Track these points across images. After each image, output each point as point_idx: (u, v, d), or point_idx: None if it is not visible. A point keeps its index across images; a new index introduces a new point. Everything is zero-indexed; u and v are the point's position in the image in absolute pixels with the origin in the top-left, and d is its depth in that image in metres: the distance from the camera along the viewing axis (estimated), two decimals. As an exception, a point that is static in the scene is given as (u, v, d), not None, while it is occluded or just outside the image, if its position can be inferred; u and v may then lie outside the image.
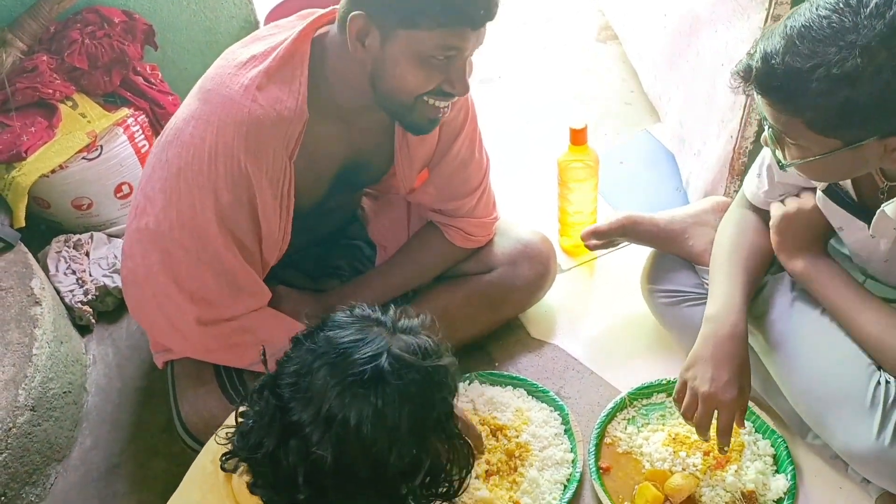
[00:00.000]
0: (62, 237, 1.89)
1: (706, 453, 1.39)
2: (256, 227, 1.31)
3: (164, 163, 1.28)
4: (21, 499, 1.48)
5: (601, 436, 1.46)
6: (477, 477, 1.40)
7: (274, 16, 2.09)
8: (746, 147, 1.63)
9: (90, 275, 1.82)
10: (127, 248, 1.37)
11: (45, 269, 1.81)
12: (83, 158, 1.83)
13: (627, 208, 1.65)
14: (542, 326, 1.71)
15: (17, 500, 1.48)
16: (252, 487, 0.97)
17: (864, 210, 1.18)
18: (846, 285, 1.24)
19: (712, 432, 1.30)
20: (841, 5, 0.94)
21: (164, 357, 1.49)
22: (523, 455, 1.44)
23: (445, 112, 1.30)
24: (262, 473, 0.97)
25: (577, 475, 1.41)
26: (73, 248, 1.87)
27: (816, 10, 0.95)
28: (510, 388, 1.57)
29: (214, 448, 1.04)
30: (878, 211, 1.13)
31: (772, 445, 1.41)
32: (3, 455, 1.43)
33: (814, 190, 1.27)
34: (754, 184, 1.36)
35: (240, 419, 1.01)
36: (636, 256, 1.69)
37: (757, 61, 0.99)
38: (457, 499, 1.36)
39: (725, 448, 1.30)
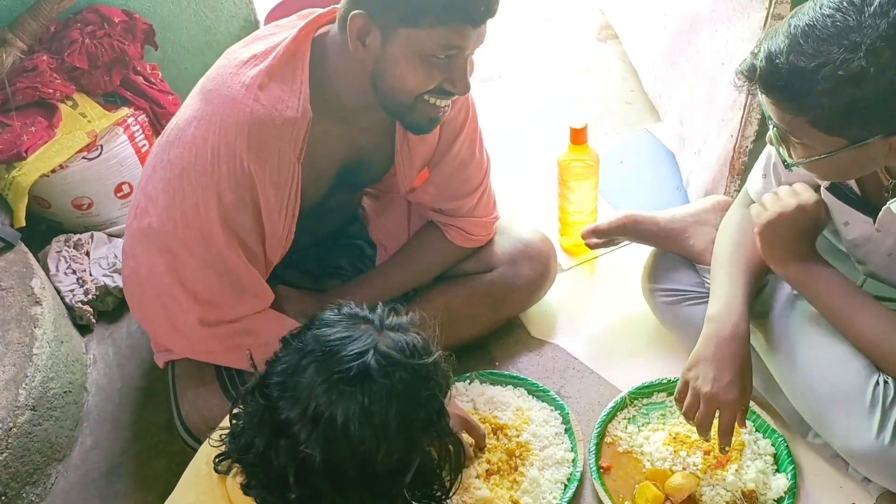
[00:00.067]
0: (62, 237, 1.89)
1: (707, 452, 1.39)
2: (259, 227, 1.31)
3: (167, 163, 1.28)
4: (22, 498, 1.48)
5: (602, 435, 1.46)
6: (477, 476, 1.40)
7: (274, 15, 2.09)
8: (747, 146, 1.64)
9: (90, 274, 1.82)
10: (128, 247, 1.37)
11: (46, 268, 1.81)
12: (83, 158, 1.83)
13: (628, 208, 1.65)
14: (542, 326, 1.71)
15: (17, 499, 1.48)
16: (245, 488, 0.97)
17: (868, 205, 1.18)
18: (841, 287, 1.23)
19: (713, 432, 1.30)
20: (845, 4, 0.94)
21: (165, 357, 1.49)
22: (524, 454, 1.44)
23: (446, 111, 1.30)
24: (254, 474, 0.97)
25: (578, 474, 1.41)
26: (74, 248, 1.87)
27: (820, 9, 0.95)
28: (510, 387, 1.57)
29: (209, 450, 1.04)
30: (884, 207, 1.13)
31: (772, 445, 1.41)
32: (4, 455, 1.43)
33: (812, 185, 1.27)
34: (759, 183, 1.35)
35: (233, 420, 1.02)
36: (636, 255, 1.69)
37: (761, 61, 0.99)
38: (457, 498, 1.37)
39: (726, 448, 1.30)
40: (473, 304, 1.59)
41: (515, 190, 1.97)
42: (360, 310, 1.01)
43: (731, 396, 1.25)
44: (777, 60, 0.97)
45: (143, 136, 1.93)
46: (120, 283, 1.79)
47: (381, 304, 1.02)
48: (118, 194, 1.92)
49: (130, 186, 1.92)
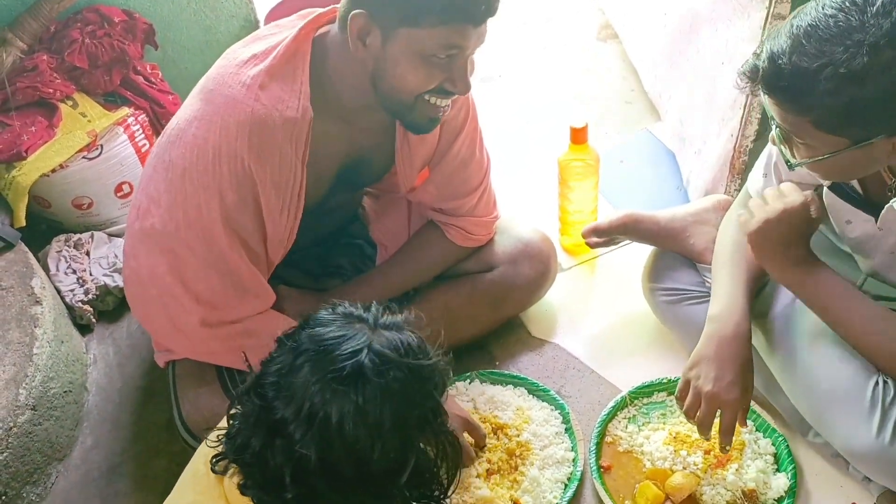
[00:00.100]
0: (62, 236, 1.89)
1: (707, 452, 1.39)
2: (261, 227, 1.31)
3: (168, 163, 1.28)
4: (22, 498, 1.48)
5: (602, 434, 1.46)
6: (478, 476, 1.40)
7: (274, 15, 2.09)
8: (747, 146, 1.64)
9: (90, 274, 1.82)
10: (130, 248, 1.37)
11: (46, 268, 1.81)
12: (83, 158, 1.83)
13: (628, 207, 1.65)
14: (542, 325, 1.71)
15: (18, 499, 1.48)
16: (242, 488, 0.98)
17: (870, 204, 1.18)
18: (837, 289, 1.20)
19: (714, 431, 1.30)
20: (847, 4, 0.94)
21: (165, 357, 1.49)
22: (524, 454, 1.44)
23: (446, 111, 1.30)
24: (250, 474, 0.97)
25: (578, 474, 1.41)
26: (74, 248, 1.87)
27: (822, 8, 0.95)
28: (511, 386, 1.57)
29: (207, 450, 1.04)
30: (886, 206, 1.13)
31: (773, 444, 1.41)
32: (4, 454, 1.43)
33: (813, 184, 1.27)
34: (760, 182, 1.35)
35: (230, 421, 1.02)
36: (637, 255, 1.69)
37: (763, 61, 0.99)
38: (458, 498, 1.37)
39: (727, 447, 1.30)
40: (474, 303, 1.59)
41: (515, 189, 1.97)
42: (354, 309, 1.01)
43: (733, 396, 1.25)
44: (780, 61, 0.97)
45: (143, 135, 1.92)
46: (120, 283, 1.79)
47: (375, 302, 1.02)
48: (118, 194, 1.92)
49: (130, 186, 1.92)
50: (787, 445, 1.40)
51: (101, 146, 1.85)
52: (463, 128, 1.47)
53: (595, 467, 1.41)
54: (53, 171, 1.80)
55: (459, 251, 1.59)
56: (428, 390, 0.98)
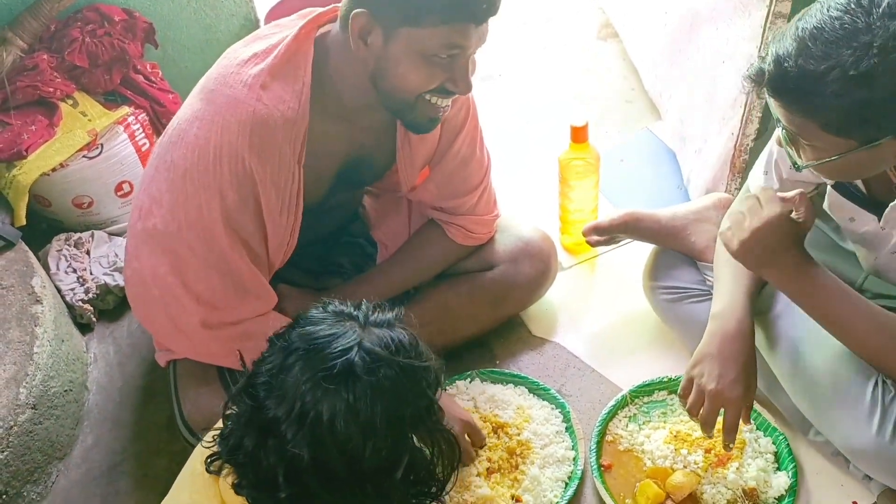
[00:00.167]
0: (63, 235, 1.89)
1: (707, 451, 1.39)
2: (262, 227, 1.31)
3: (170, 164, 1.28)
4: (22, 497, 1.48)
5: (602, 433, 1.46)
6: (478, 474, 1.40)
7: (274, 14, 2.09)
8: (748, 144, 1.64)
9: (91, 273, 1.82)
10: (132, 248, 1.37)
11: (46, 267, 1.81)
12: (84, 157, 1.83)
13: (628, 206, 1.65)
14: (543, 324, 1.71)
15: (18, 498, 1.48)
16: (236, 488, 0.98)
17: (873, 203, 1.18)
18: (834, 294, 1.17)
19: (717, 428, 1.29)
20: (853, 6, 0.93)
21: (167, 356, 1.49)
22: (524, 453, 1.44)
23: (446, 111, 1.30)
24: (244, 474, 0.97)
25: (579, 473, 1.41)
26: (74, 247, 1.87)
27: (827, 11, 0.95)
28: (511, 385, 1.57)
29: (204, 450, 1.04)
30: (890, 205, 1.12)
31: (773, 443, 1.41)
32: (5, 453, 1.43)
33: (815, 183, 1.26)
34: (761, 180, 1.35)
35: (225, 421, 1.02)
36: (637, 253, 1.69)
37: (769, 64, 0.98)
38: (458, 496, 1.37)
39: (731, 445, 1.30)
40: (474, 302, 1.59)
41: (516, 188, 1.97)
42: (345, 307, 1.01)
43: (736, 394, 1.25)
44: (786, 64, 0.96)
45: (143, 134, 1.92)
46: (120, 282, 1.79)
47: (365, 300, 1.02)
48: (118, 193, 1.92)
49: (131, 185, 1.92)
50: (788, 444, 1.40)
51: (102, 145, 1.85)
52: (463, 126, 1.47)
53: (595, 466, 1.41)
54: (54, 170, 1.80)
55: (460, 250, 1.59)
56: (420, 388, 0.98)
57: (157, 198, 1.30)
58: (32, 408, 1.49)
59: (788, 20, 1.40)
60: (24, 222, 1.79)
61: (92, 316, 1.79)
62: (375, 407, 0.92)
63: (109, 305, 1.83)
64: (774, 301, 1.37)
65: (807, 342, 1.30)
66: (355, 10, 1.18)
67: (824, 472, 1.39)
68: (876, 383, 1.23)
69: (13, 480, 1.46)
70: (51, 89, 1.83)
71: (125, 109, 1.90)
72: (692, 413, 1.30)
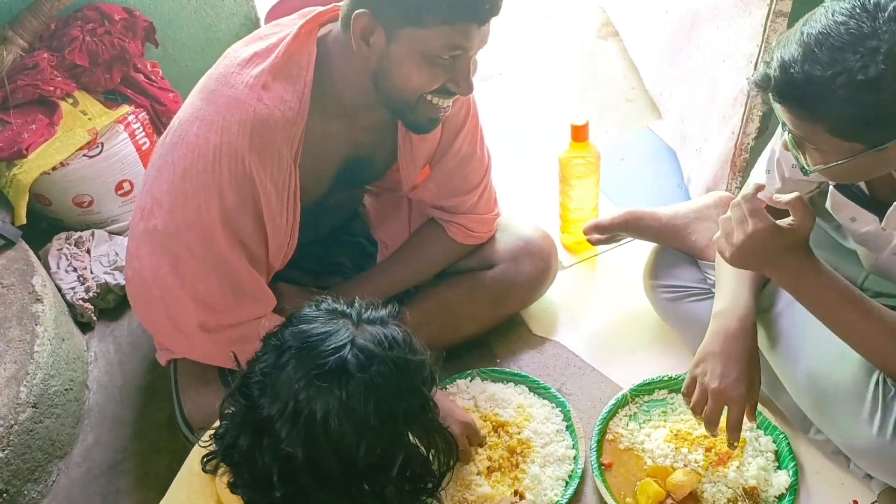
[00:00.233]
0: (63, 234, 1.89)
1: (708, 449, 1.39)
2: (261, 229, 1.31)
3: (171, 164, 1.28)
4: (23, 496, 1.48)
5: (603, 432, 1.46)
6: (479, 473, 1.41)
7: (274, 13, 2.09)
8: (748, 143, 1.64)
9: (91, 272, 1.82)
10: (133, 248, 1.37)
11: (47, 266, 1.81)
12: (84, 156, 1.83)
13: (629, 205, 1.65)
14: (543, 323, 1.71)
15: (19, 496, 1.48)
16: (232, 487, 0.98)
17: (875, 203, 1.17)
18: (836, 294, 1.15)
19: (721, 423, 1.29)
20: (858, 11, 0.93)
21: (167, 355, 1.49)
22: (525, 451, 1.44)
23: (447, 111, 1.30)
24: (239, 473, 0.97)
25: (579, 472, 1.41)
26: (75, 246, 1.87)
27: (832, 16, 0.94)
28: (512, 384, 1.57)
29: (201, 449, 1.04)
30: (893, 206, 1.12)
31: (773, 441, 1.41)
32: (5, 452, 1.43)
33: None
34: (763, 179, 1.35)
35: (222, 421, 1.02)
36: (638, 252, 1.69)
37: (775, 70, 0.98)
38: (459, 495, 1.37)
39: (735, 443, 1.30)
40: (474, 301, 1.59)
41: (516, 187, 1.97)
42: (338, 305, 1.01)
43: (739, 392, 1.25)
44: (792, 70, 0.96)
45: (143, 133, 1.92)
46: (121, 281, 1.79)
47: (358, 298, 1.02)
48: (119, 192, 1.92)
49: (131, 184, 1.92)
50: (788, 443, 1.40)
51: (102, 144, 1.85)
52: (464, 125, 1.47)
53: (596, 465, 1.41)
54: (54, 168, 1.80)
55: (460, 249, 1.59)
56: (415, 384, 0.97)
57: (158, 198, 1.29)
58: (33, 406, 1.49)
59: (789, 19, 1.40)
60: (24, 221, 1.79)
61: (92, 315, 1.79)
62: (369, 404, 0.92)
63: (110, 304, 1.83)
64: (776, 299, 1.37)
65: (808, 340, 1.30)
66: (357, 11, 1.18)
67: (825, 470, 1.39)
68: (877, 382, 1.23)
69: (14, 479, 1.46)
70: (51, 88, 1.83)
71: (125, 108, 1.90)
72: (696, 412, 1.30)
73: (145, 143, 1.93)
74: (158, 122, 1.96)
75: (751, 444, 1.40)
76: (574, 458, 1.44)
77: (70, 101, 1.86)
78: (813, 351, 1.29)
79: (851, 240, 1.31)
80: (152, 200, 1.30)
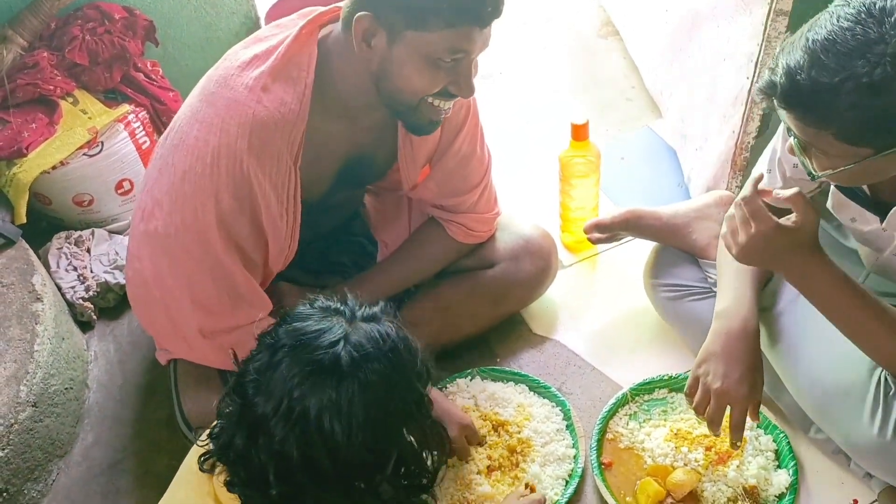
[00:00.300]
0: (63, 234, 1.89)
1: (708, 448, 1.39)
2: (257, 233, 1.30)
3: (171, 166, 1.27)
4: (23, 495, 1.48)
5: (603, 431, 1.46)
6: (479, 472, 1.41)
7: (274, 12, 2.09)
8: (748, 142, 1.63)
9: (91, 271, 1.82)
10: (134, 249, 1.36)
11: (47, 265, 1.81)
12: (84, 155, 1.83)
13: (629, 204, 1.65)
14: (543, 322, 1.71)
15: (19, 496, 1.48)
16: (229, 486, 0.98)
17: (876, 204, 1.17)
18: (847, 290, 1.14)
19: (724, 424, 1.29)
20: (863, 16, 0.92)
21: (167, 354, 1.49)
22: (525, 451, 1.44)
23: (447, 113, 1.30)
24: (236, 472, 0.98)
25: (579, 471, 1.41)
26: (74, 245, 1.87)
27: (837, 21, 0.93)
28: (512, 383, 1.57)
29: (199, 448, 1.05)
30: (895, 207, 1.12)
31: (774, 441, 1.41)
32: (5, 451, 1.43)
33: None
34: (765, 179, 1.34)
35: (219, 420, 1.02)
36: (638, 251, 1.69)
37: (781, 77, 0.97)
38: (459, 494, 1.37)
39: (738, 444, 1.29)
40: (474, 300, 1.59)
41: (516, 186, 1.97)
42: (332, 303, 1.01)
43: (742, 392, 1.25)
44: (798, 76, 0.95)
45: (143, 132, 1.92)
46: (121, 280, 1.79)
47: (350, 295, 1.01)
48: (119, 191, 1.92)
49: (131, 183, 1.92)
50: (789, 442, 1.40)
51: (102, 143, 1.85)
52: (464, 125, 1.46)
53: (596, 464, 1.41)
54: (54, 167, 1.80)
55: (460, 248, 1.59)
56: (409, 381, 0.97)
57: (158, 200, 1.29)
58: (33, 405, 1.49)
59: (790, 17, 1.40)
60: (24, 220, 1.79)
61: (92, 314, 1.79)
62: (363, 401, 0.92)
63: (110, 303, 1.83)
64: (777, 298, 1.37)
65: (809, 339, 1.30)
66: (359, 13, 1.17)
67: (825, 469, 1.39)
68: (878, 380, 1.23)
69: (14, 478, 1.46)
70: (51, 87, 1.82)
71: (125, 107, 1.89)
72: (698, 412, 1.30)
73: (145, 142, 1.93)
74: (158, 122, 1.95)
75: (751, 444, 1.40)
76: (574, 457, 1.44)
77: (70, 100, 1.85)
78: (814, 349, 1.29)
79: (853, 239, 1.31)
80: (153, 202, 1.30)
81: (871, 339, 1.15)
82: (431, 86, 1.22)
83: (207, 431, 1.04)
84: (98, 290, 1.80)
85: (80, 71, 1.86)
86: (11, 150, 1.76)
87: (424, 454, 1.03)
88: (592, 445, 1.44)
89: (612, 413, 1.49)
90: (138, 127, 1.91)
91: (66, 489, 1.54)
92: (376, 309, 1.00)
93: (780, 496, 1.35)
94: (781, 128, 1.25)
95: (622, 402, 1.50)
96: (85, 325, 1.80)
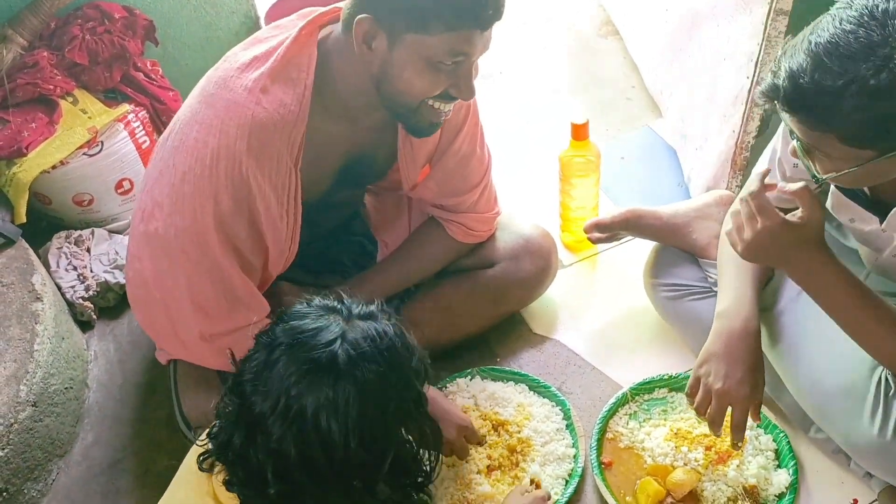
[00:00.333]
0: (63, 233, 1.89)
1: (708, 448, 1.39)
2: (255, 236, 1.30)
3: (171, 168, 1.27)
4: (23, 494, 1.48)
5: (603, 431, 1.46)
6: (479, 472, 1.40)
7: (274, 12, 2.09)
8: (748, 142, 1.63)
9: (91, 271, 1.82)
10: (135, 250, 1.36)
11: (46, 265, 1.81)
12: (84, 154, 1.83)
13: (629, 204, 1.65)
14: (543, 321, 1.71)
15: (19, 495, 1.48)
16: (227, 485, 0.98)
17: (876, 204, 1.17)
18: (850, 290, 1.14)
19: (725, 423, 1.29)
20: (866, 19, 0.92)
21: (167, 354, 1.49)
22: (525, 450, 1.44)
23: (448, 115, 1.30)
24: (234, 471, 0.98)
25: (579, 470, 1.41)
26: (74, 244, 1.87)
27: (840, 24, 0.93)
28: (512, 383, 1.57)
29: (198, 448, 1.05)
30: (895, 209, 1.12)
31: (774, 440, 1.41)
32: (5, 451, 1.43)
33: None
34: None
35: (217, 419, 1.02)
36: (638, 251, 1.69)
37: (783, 80, 0.96)
38: (459, 494, 1.37)
39: (739, 444, 1.29)
40: (474, 299, 1.59)
41: (516, 186, 1.97)
42: (329, 301, 1.01)
43: (743, 393, 1.24)
44: (801, 80, 0.94)
45: (143, 132, 1.92)
46: (121, 280, 1.79)
47: (347, 293, 1.01)
48: (119, 191, 1.92)
49: (131, 183, 1.92)
50: (789, 442, 1.40)
51: (102, 143, 1.85)
52: (464, 125, 1.46)
53: (596, 464, 1.41)
54: (54, 167, 1.80)
55: (460, 247, 1.59)
56: (407, 379, 0.97)
57: (159, 201, 1.29)
58: (33, 405, 1.49)
59: (790, 17, 1.40)
60: (24, 220, 1.79)
61: (92, 313, 1.79)
62: (360, 399, 0.92)
63: (110, 303, 1.83)
64: (778, 297, 1.37)
65: (809, 338, 1.30)
66: (360, 16, 1.17)
67: (825, 469, 1.39)
68: (879, 380, 1.23)
69: (14, 478, 1.46)
70: (51, 87, 1.82)
71: (125, 107, 1.89)
72: (699, 412, 1.29)
73: (145, 141, 1.93)
74: (158, 121, 1.95)
75: (751, 443, 1.40)
76: (574, 456, 1.44)
77: (70, 99, 1.85)
78: (814, 349, 1.29)
79: (853, 239, 1.31)
80: (153, 203, 1.30)
81: (872, 337, 1.15)
82: (432, 88, 1.22)
83: (207, 431, 1.04)
84: (98, 289, 1.80)
85: (80, 70, 1.86)
86: (11, 150, 1.76)
87: (421, 452, 1.03)
88: (592, 445, 1.44)
89: (612, 412, 1.49)
90: (138, 126, 1.91)
91: (66, 489, 1.54)
92: (373, 307, 1.00)
93: (780, 496, 1.35)
94: (781, 127, 1.25)
95: (622, 402, 1.50)
96: (85, 325, 1.80)
